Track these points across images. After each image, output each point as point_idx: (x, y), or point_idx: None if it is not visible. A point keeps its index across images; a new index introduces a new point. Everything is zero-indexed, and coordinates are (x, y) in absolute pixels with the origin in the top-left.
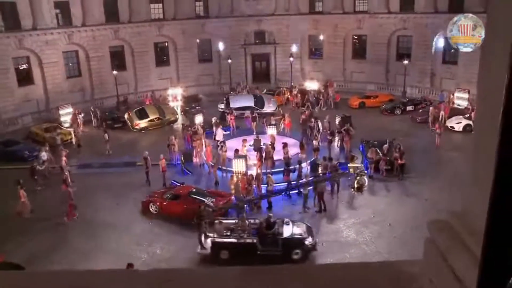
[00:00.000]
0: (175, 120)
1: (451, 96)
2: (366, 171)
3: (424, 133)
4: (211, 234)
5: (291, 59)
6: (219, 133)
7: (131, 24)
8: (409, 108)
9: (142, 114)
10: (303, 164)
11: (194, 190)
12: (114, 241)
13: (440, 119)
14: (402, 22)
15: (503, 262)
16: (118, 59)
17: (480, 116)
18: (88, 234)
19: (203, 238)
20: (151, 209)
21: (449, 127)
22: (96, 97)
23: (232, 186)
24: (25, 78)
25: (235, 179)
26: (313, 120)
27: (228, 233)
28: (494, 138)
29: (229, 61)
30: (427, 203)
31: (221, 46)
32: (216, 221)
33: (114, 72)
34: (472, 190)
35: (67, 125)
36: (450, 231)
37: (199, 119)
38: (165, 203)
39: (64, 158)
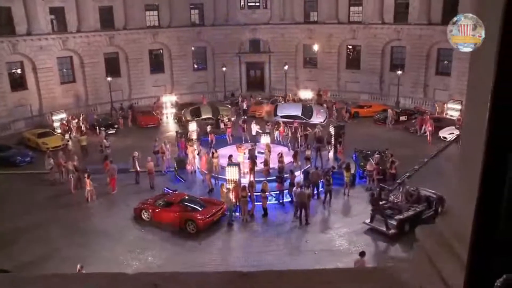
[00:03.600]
0: (228, 121)
1: (443, 107)
2: (363, 181)
3: (417, 143)
4: (399, 217)
5: (285, 67)
6: (253, 128)
7: (126, 31)
8: (402, 118)
9: (196, 113)
10: (296, 173)
11: (186, 197)
12: (106, 249)
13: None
14: (396, 33)
15: (488, 266)
16: (112, 65)
17: (467, 124)
18: (80, 243)
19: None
20: (143, 216)
21: (441, 138)
22: (90, 103)
23: (223, 194)
24: (18, 83)
25: (225, 189)
26: (300, 128)
27: (401, 209)
28: (479, 146)
29: (224, 69)
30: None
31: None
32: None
33: (109, 78)
34: (458, 196)
35: (59, 130)
36: (438, 237)
37: (193, 126)
38: (157, 210)
39: (70, 162)
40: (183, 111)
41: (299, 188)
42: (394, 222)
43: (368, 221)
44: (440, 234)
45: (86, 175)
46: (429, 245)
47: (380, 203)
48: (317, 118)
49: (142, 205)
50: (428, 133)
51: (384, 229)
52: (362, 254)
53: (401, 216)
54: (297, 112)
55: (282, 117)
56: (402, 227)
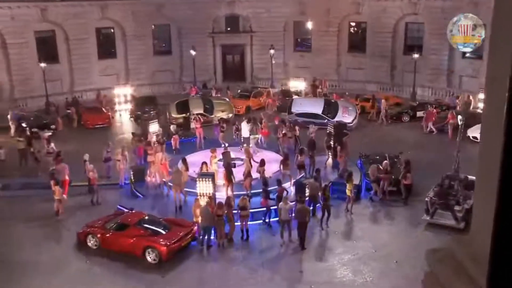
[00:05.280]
0: (228, 120)
1: (468, 99)
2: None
3: (439, 145)
4: (457, 208)
5: (272, 51)
6: (244, 128)
7: (65, 2)
8: (419, 114)
9: (184, 108)
10: (287, 184)
11: (146, 217)
12: (39, 287)
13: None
14: (411, 6)
15: None
16: (47, 48)
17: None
18: (4, 279)
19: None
20: (89, 243)
21: (471, 138)
22: (17, 97)
23: (197, 212)
24: None
25: (201, 204)
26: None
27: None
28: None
29: (193, 53)
30: (444, 232)
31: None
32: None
33: (42, 64)
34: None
35: None
36: (452, 261)
37: (154, 127)
38: (108, 235)
39: None
40: (168, 106)
41: (286, 203)
42: (460, 214)
43: (427, 217)
44: (454, 257)
45: (52, 182)
46: (442, 270)
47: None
48: (343, 118)
49: (88, 229)
50: (451, 121)
51: (453, 222)
52: None
53: (467, 206)
54: (318, 109)
55: (298, 115)
56: (469, 218)
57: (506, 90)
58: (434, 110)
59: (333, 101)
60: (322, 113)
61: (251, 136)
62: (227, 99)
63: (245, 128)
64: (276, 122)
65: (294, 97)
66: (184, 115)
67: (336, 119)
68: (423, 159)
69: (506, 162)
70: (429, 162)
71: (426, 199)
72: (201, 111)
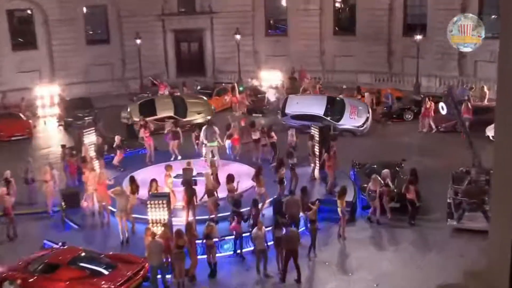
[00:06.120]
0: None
1: (482, 91)
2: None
3: (452, 148)
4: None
5: (238, 37)
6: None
7: None
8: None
9: (150, 110)
10: (263, 204)
11: (82, 254)
12: None
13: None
14: None
15: None
16: None
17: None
18: None
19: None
20: None
21: (490, 138)
22: None
23: (149, 246)
24: None
25: (150, 235)
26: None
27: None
28: None
29: (138, 41)
30: (462, 262)
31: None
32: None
33: None
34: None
35: None
36: None
37: (91, 137)
38: (31, 279)
39: None
40: (128, 107)
41: (260, 229)
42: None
43: (453, 222)
44: None
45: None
46: None
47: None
48: (352, 121)
49: (5, 273)
50: (466, 116)
51: (485, 224)
52: None
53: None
54: (319, 109)
55: (294, 118)
56: None
57: None
58: (432, 104)
59: (338, 98)
60: (324, 114)
61: (208, 144)
62: (204, 98)
63: (203, 135)
64: (243, 124)
65: (290, 95)
66: (149, 118)
67: (342, 121)
68: (432, 166)
69: None
70: (440, 170)
71: (449, 200)
72: (171, 113)
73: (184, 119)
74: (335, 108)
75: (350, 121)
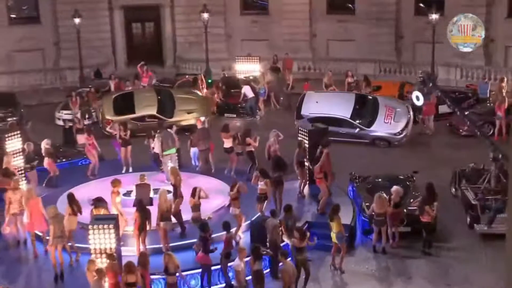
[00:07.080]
0: (192, 125)
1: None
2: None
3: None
4: None
5: (205, 16)
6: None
7: None
8: (443, 108)
9: (127, 106)
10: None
11: None
12: None
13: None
14: None
15: None
16: None
17: None
18: None
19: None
20: None
21: None
22: None
23: (91, 282)
24: None
25: (93, 271)
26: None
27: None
28: None
29: (77, 21)
30: None
31: None
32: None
33: None
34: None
35: None
36: None
37: (14, 144)
38: None
39: None
40: (100, 103)
41: (242, 260)
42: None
43: (484, 227)
44: None
45: None
46: None
47: None
48: (386, 126)
49: None
50: (499, 113)
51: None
52: None
53: None
54: (344, 110)
55: (311, 121)
56: None
57: None
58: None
59: (370, 97)
60: (351, 117)
61: (165, 153)
62: (198, 93)
63: (157, 141)
64: (199, 125)
65: (308, 92)
66: (127, 116)
67: (374, 127)
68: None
69: None
70: None
71: (474, 202)
72: (154, 112)
73: (170, 119)
74: (365, 109)
75: (385, 126)
